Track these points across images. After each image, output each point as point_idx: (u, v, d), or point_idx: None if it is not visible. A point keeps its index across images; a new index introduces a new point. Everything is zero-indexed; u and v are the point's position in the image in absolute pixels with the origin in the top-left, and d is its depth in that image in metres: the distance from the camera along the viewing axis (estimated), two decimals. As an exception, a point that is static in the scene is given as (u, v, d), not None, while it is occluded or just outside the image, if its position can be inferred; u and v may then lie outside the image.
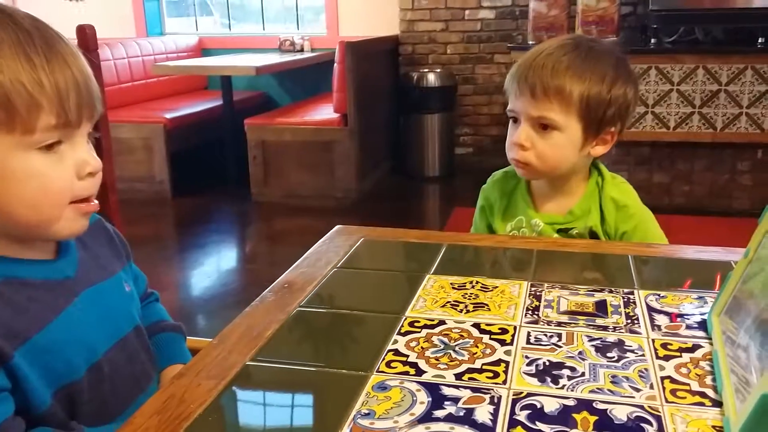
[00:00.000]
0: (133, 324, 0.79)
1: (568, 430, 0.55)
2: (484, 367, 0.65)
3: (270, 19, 4.92)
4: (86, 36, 1.92)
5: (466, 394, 0.61)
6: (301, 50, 4.55)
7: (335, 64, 3.69)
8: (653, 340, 0.70)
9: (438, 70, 4.20)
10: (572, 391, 0.61)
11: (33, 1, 3.70)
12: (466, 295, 0.82)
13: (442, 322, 0.75)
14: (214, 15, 5.14)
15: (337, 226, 1.09)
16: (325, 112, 3.81)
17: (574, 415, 0.57)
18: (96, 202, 0.68)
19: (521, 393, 0.61)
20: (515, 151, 1.10)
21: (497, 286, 0.84)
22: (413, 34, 4.39)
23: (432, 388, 0.62)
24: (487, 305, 0.79)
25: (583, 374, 0.64)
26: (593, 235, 1.11)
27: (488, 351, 0.68)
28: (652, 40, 3.44)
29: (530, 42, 3.59)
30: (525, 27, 3.93)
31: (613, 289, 0.83)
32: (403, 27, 4.40)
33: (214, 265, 3.07)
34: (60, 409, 0.68)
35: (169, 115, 3.82)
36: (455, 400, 0.60)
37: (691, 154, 3.42)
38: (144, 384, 0.78)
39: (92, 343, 0.71)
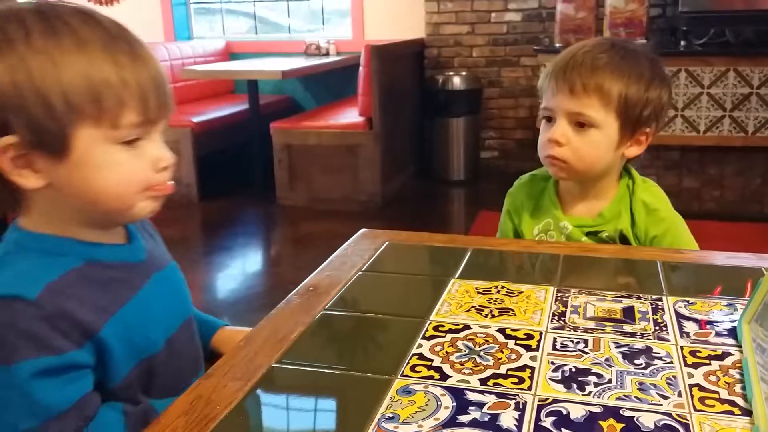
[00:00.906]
0: (191, 308, 0.84)
1: (594, 437, 0.55)
2: (510, 372, 0.65)
3: (296, 23, 4.95)
4: (117, 41, 1.96)
5: (490, 399, 0.61)
6: (327, 54, 4.57)
7: (360, 68, 3.71)
8: (682, 347, 0.69)
9: (463, 73, 4.19)
10: (599, 398, 0.60)
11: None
12: (492, 300, 0.81)
13: (466, 327, 0.75)
14: (240, 19, 5.20)
15: (362, 230, 1.09)
16: (350, 116, 3.82)
17: (601, 422, 0.57)
18: (170, 185, 0.72)
19: (547, 399, 0.60)
20: (550, 148, 1.08)
21: (523, 291, 0.84)
22: (439, 37, 4.39)
23: (456, 393, 0.62)
24: (512, 310, 0.79)
25: (609, 381, 0.63)
26: (623, 238, 1.10)
27: (513, 356, 0.68)
28: (682, 43, 3.40)
29: (557, 45, 3.56)
30: (552, 29, 3.91)
31: (641, 295, 0.82)
32: (429, 30, 4.40)
33: (239, 268, 3.09)
34: (137, 382, 0.72)
35: (196, 119, 3.87)
36: (480, 405, 0.60)
37: (721, 159, 3.36)
38: (199, 365, 0.83)
39: (166, 320, 0.77)
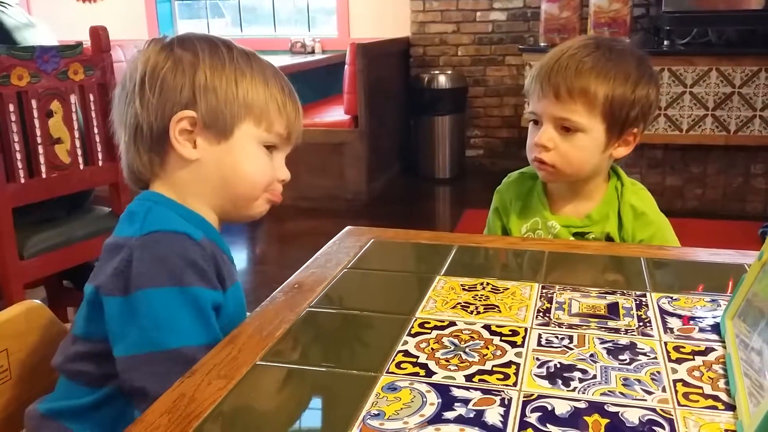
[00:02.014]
0: None
1: (579, 432, 0.55)
2: (495, 368, 0.65)
3: (281, 21, 4.93)
4: (99, 37, 1.93)
5: (476, 395, 0.60)
6: (312, 52, 4.56)
7: (346, 66, 3.70)
8: (666, 343, 0.70)
9: (449, 72, 4.20)
10: (583, 393, 0.60)
11: (46, 2, 3.73)
12: (477, 297, 0.81)
13: (452, 324, 0.74)
14: (225, 17, 5.17)
15: (348, 227, 1.09)
16: (335, 114, 3.82)
17: (586, 417, 0.57)
18: (280, 196, 0.88)
19: (532, 395, 0.60)
20: (538, 152, 1.08)
21: (508, 288, 0.84)
22: (424, 36, 4.40)
23: (442, 390, 0.61)
24: (497, 307, 0.79)
25: (594, 377, 0.63)
26: (610, 240, 1.10)
27: (499, 353, 0.68)
28: (665, 42, 3.43)
29: (542, 44, 3.58)
30: (537, 29, 3.92)
31: (625, 291, 0.82)
32: (414, 29, 4.40)
33: (224, 266, 3.07)
34: None
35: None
36: (465, 401, 0.60)
37: (704, 157, 3.40)
38: None
39: (241, 319, 0.82)
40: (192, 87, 0.78)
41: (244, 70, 0.82)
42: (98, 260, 0.79)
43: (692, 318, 0.76)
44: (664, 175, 3.42)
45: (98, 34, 1.90)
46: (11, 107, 1.67)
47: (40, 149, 1.75)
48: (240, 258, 3.29)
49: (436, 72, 4.19)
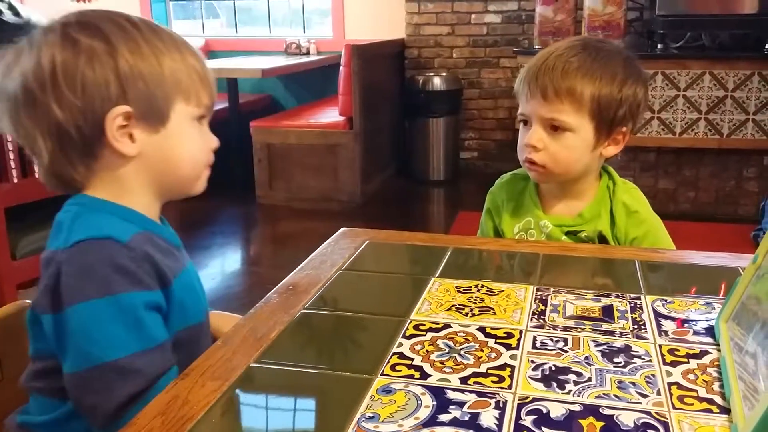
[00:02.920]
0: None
1: (574, 435, 0.55)
2: (490, 371, 0.65)
3: (276, 21, 4.93)
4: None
5: (471, 398, 0.60)
6: (307, 53, 4.55)
7: (341, 67, 3.70)
8: (660, 346, 0.70)
9: (444, 74, 4.20)
10: (578, 396, 0.60)
11: (41, 1, 3.71)
12: (472, 299, 0.81)
13: (447, 326, 0.74)
14: (220, 18, 5.16)
15: (342, 229, 1.09)
16: (330, 115, 3.81)
17: (581, 420, 0.57)
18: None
19: (527, 398, 0.60)
20: (528, 152, 1.09)
21: (503, 290, 0.84)
22: (419, 38, 4.40)
23: (437, 392, 0.61)
24: (492, 309, 0.78)
25: (589, 379, 0.63)
26: (602, 238, 1.11)
27: (494, 355, 0.68)
28: (659, 46, 3.44)
29: (536, 46, 3.58)
30: (531, 31, 3.93)
31: (619, 294, 0.82)
32: (410, 31, 4.40)
33: (218, 267, 3.07)
34: (182, 352, 0.77)
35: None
36: (460, 404, 0.59)
37: (697, 160, 3.41)
38: None
39: (200, 304, 0.83)
40: (117, 78, 0.72)
41: (159, 45, 0.75)
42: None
43: (686, 321, 0.76)
44: (657, 178, 3.43)
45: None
46: (4, 106, 1.66)
47: (33, 149, 1.74)
48: (233, 259, 3.28)
49: (431, 74, 4.19)
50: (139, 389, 0.69)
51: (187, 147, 0.79)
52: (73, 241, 0.71)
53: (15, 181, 1.71)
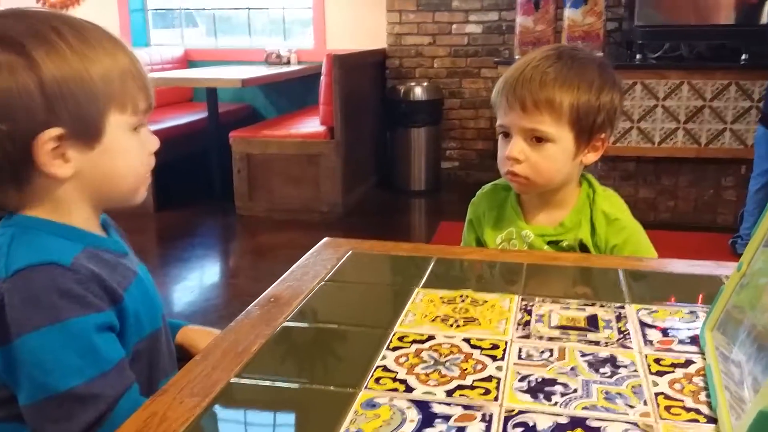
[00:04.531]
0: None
1: (562, 448, 0.54)
2: (476, 383, 0.64)
3: (256, 31, 4.92)
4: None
5: (457, 411, 0.59)
6: (288, 63, 4.54)
7: (322, 77, 3.69)
8: (646, 356, 0.69)
9: (425, 84, 4.21)
10: (565, 408, 0.60)
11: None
12: (456, 310, 0.80)
13: (431, 337, 0.73)
14: (199, 27, 5.13)
15: (325, 239, 1.07)
16: (311, 125, 3.80)
17: (568, 432, 0.56)
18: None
19: (513, 410, 0.59)
20: (510, 165, 1.09)
21: (487, 301, 0.83)
22: (400, 48, 4.41)
23: (422, 406, 0.60)
24: (477, 320, 0.78)
25: (575, 390, 0.62)
26: (583, 247, 1.11)
27: (479, 367, 0.67)
28: (638, 56, 3.47)
29: (516, 57, 3.61)
30: (511, 42, 3.96)
31: (604, 303, 0.82)
32: (391, 40, 4.41)
33: (196, 280, 3.03)
34: (142, 362, 0.76)
35: (153, 127, 3.74)
36: (446, 417, 0.58)
37: (675, 170, 3.44)
38: (172, 365, 0.84)
39: (155, 309, 0.81)
40: (43, 97, 0.66)
41: (87, 53, 0.69)
42: None
43: (671, 330, 0.75)
44: (637, 187, 3.46)
45: None
46: None
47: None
48: (212, 271, 3.24)
49: (413, 84, 4.20)
50: (99, 414, 0.67)
51: (126, 160, 0.75)
52: (14, 269, 0.68)
53: None
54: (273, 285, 0.89)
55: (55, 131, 0.68)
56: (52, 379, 0.67)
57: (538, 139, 1.06)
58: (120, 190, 0.76)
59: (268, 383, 0.65)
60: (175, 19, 5.06)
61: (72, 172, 0.71)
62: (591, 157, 1.11)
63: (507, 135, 1.10)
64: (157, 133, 0.81)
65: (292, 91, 4.61)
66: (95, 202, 0.76)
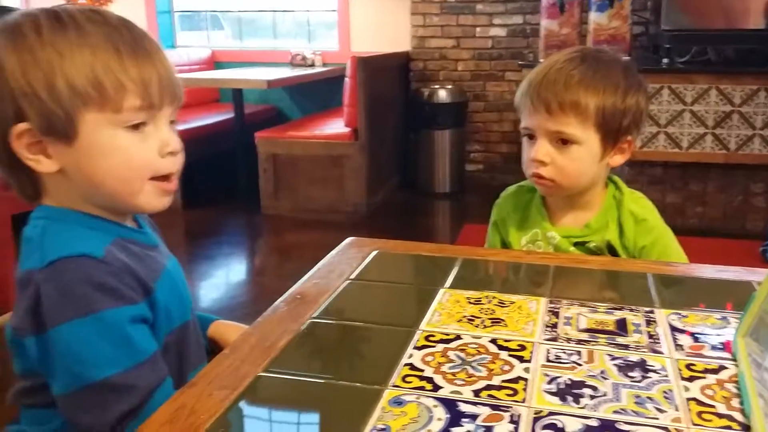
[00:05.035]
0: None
1: (591, 451, 0.53)
2: (503, 384, 0.63)
3: (281, 34, 4.95)
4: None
5: (484, 411, 0.59)
6: (313, 65, 4.56)
7: (346, 79, 3.70)
8: (677, 361, 0.68)
9: (449, 87, 4.20)
10: (594, 411, 0.59)
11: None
12: (483, 310, 0.80)
13: (458, 337, 0.73)
14: (225, 29, 5.18)
15: (350, 238, 1.08)
16: (335, 127, 3.81)
17: (598, 435, 0.55)
18: (175, 181, 0.76)
19: (542, 412, 0.59)
20: (535, 167, 1.08)
21: (514, 302, 0.82)
22: (424, 51, 4.41)
23: (449, 405, 0.60)
24: (504, 321, 0.77)
25: (605, 394, 0.62)
26: (611, 248, 1.10)
27: (507, 368, 0.66)
28: (665, 60, 3.43)
29: (541, 60, 3.59)
30: (536, 45, 3.93)
31: (633, 307, 0.81)
32: (415, 43, 4.41)
33: (222, 278, 3.05)
34: (171, 354, 0.76)
35: (180, 127, 3.80)
36: (473, 417, 0.58)
37: (703, 175, 3.39)
38: (201, 358, 0.85)
39: (184, 302, 0.81)
40: (11, 93, 0.67)
41: (60, 48, 0.67)
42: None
43: (702, 335, 0.74)
44: (664, 192, 3.42)
45: None
46: (11, 114, 1.66)
47: (39, 156, 1.73)
48: (238, 269, 3.27)
49: (436, 86, 4.19)
50: (133, 405, 0.68)
51: (107, 160, 0.70)
52: (48, 260, 0.68)
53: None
54: (299, 282, 0.89)
55: (23, 126, 0.68)
56: (86, 369, 0.68)
57: (563, 141, 1.06)
58: (107, 192, 0.72)
59: (295, 378, 0.65)
60: (202, 21, 5.11)
61: (56, 168, 0.70)
62: (618, 159, 1.10)
63: (532, 137, 1.09)
64: (183, 132, 0.78)
65: (316, 93, 4.63)
66: (95, 201, 0.74)
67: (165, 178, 0.75)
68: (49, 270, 0.68)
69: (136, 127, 0.71)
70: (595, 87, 1.04)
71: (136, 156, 0.72)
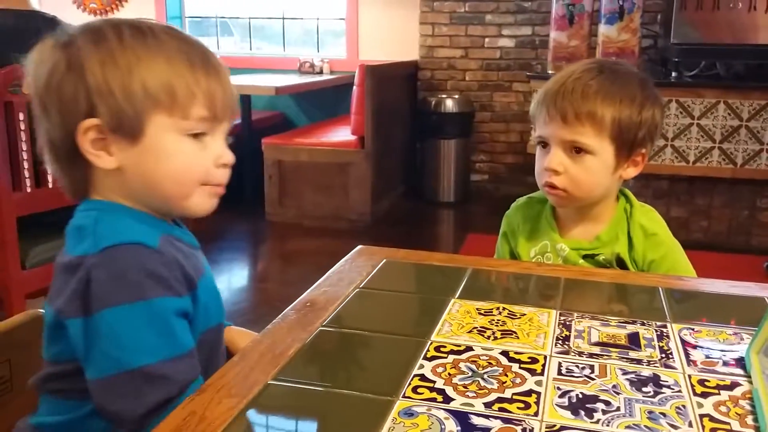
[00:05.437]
0: None
1: (605, 466, 0.53)
2: (515, 396, 0.63)
3: (290, 41, 4.96)
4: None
5: (496, 424, 0.58)
6: (321, 72, 4.57)
7: (354, 87, 3.71)
8: (689, 376, 0.68)
9: (456, 96, 4.20)
10: (608, 426, 0.58)
11: (59, 16, 3.73)
12: (493, 322, 0.80)
13: (469, 348, 0.72)
14: (234, 36, 5.19)
15: (359, 247, 1.07)
16: (342, 134, 3.82)
17: (611, 451, 0.55)
18: (223, 189, 0.80)
19: (554, 426, 0.58)
20: (548, 176, 1.08)
21: (525, 314, 0.82)
22: (432, 60, 4.41)
23: (461, 417, 0.59)
24: (515, 333, 0.77)
25: (618, 409, 0.61)
26: (620, 262, 1.09)
27: (518, 380, 0.66)
28: (673, 74, 3.43)
29: (550, 71, 3.59)
30: (544, 56, 3.94)
31: (645, 321, 0.80)
32: (423, 52, 4.42)
33: (225, 283, 3.05)
34: (203, 353, 0.76)
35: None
36: (485, 430, 0.57)
37: (710, 190, 3.39)
38: (223, 361, 0.84)
39: (220, 304, 0.83)
40: (86, 91, 0.70)
41: (139, 53, 0.71)
42: (53, 280, 0.74)
43: (715, 351, 0.74)
44: (670, 206, 3.41)
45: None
46: (21, 116, 1.67)
47: (48, 159, 1.74)
48: (241, 275, 3.26)
49: (444, 96, 4.20)
50: (167, 396, 0.68)
51: (167, 164, 0.74)
52: (103, 246, 0.70)
53: (28, 190, 1.70)
54: (308, 290, 0.89)
55: (93, 121, 0.71)
56: (126, 355, 0.68)
57: (577, 151, 1.05)
58: (162, 193, 0.75)
59: (305, 387, 0.65)
60: (211, 27, 5.13)
61: (115, 165, 0.73)
62: (631, 171, 1.10)
63: (545, 146, 1.09)
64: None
65: (324, 100, 4.63)
66: (147, 201, 0.76)
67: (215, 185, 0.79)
68: (102, 255, 0.70)
69: (197, 135, 0.75)
70: (612, 98, 1.04)
71: (195, 162, 0.75)
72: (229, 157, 0.78)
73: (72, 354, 0.71)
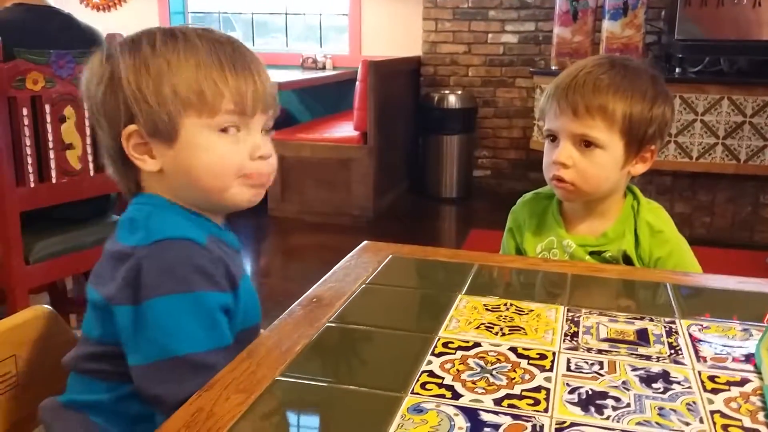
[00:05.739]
0: None
1: (616, 463, 0.53)
2: (524, 393, 0.62)
3: (293, 37, 4.95)
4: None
5: (506, 420, 0.58)
6: (323, 68, 4.56)
7: (357, 83, 3.70)
8: (699, 372, 0.67)
9: (459, 92, 4.20)
10: (618, 422, 0.58)
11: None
12: (501, 318, 0.79)
13: (477, 345, 0.72)
14: (237, 31, 5.19)
15: (365, 242, 1.07)
16: (344, 130, 3.81)
17: (622, 447, 0.55)
18: (266, 180, 0.82)
19: (564, 422, 0.58)
20: (556, 170, 1.07)
21: (533, 310, 0.82)
22: (436, 56, 4.40)
23: (470, 413, 0.59)
24: (523, 329, 0.76)
25: (628, 405, 0.61)
26: (627, 258, 1.09)
27: (527, 377, 0.66)
28: (677, 70, 3.42)
29: (553, 67, 3.58)
30: (548, 52, 3.93)
31: (654, 317, 0.80)
32: (426, 48, 4.41)
33: (228, 279, 3.05)
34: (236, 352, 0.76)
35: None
36: (495, 426, 0.57)
37: (713, 185, 3.38)
38: None
39: (258, 306, 0.84)
40: (125, 99, 0.75)
41: (169, 59, 0.75)
42: (100, 264, 0.78)
43: (724, 347, 0.73)
44: (673, 202, 3.40)
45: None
46: (24, 111, 1.66)
47: (52, 154, 1.73)
48: (244, 271, 3.26)
49: (446, 92, 4.19)
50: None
51: (200, 159, 0.77)
52: (154, 239, 0.73)
53: (32, 185, 1.70)
54: (314, 286, 0.89)
55: (133, 128, 0.76)
56: (172, 342, 0.71)
57: (587, 144, 1.05)
58: (202, 188, 0.78)
59: (312, 383, 0.65)
60: (214, 22, 5.12)
61: (158, 167, 0.77)
62: (639, 167, 1.09)
63: (554, 140, 1.09)
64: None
65: (326, 96, 4.63)
66: (192, 199, 0.80)
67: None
68: (153, 247, 0.73)
69: (226, 130, 0.77)
70: (624, 93, 1.04)
71: (227, 155, 0.77)
72: (266, 150, 0.81)
73: (116, 337, 0.73)
